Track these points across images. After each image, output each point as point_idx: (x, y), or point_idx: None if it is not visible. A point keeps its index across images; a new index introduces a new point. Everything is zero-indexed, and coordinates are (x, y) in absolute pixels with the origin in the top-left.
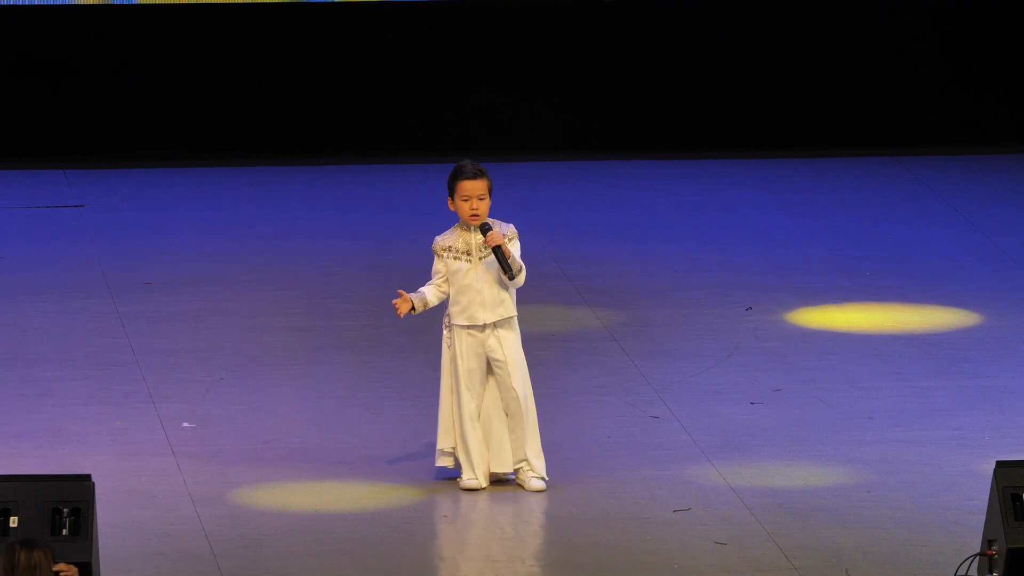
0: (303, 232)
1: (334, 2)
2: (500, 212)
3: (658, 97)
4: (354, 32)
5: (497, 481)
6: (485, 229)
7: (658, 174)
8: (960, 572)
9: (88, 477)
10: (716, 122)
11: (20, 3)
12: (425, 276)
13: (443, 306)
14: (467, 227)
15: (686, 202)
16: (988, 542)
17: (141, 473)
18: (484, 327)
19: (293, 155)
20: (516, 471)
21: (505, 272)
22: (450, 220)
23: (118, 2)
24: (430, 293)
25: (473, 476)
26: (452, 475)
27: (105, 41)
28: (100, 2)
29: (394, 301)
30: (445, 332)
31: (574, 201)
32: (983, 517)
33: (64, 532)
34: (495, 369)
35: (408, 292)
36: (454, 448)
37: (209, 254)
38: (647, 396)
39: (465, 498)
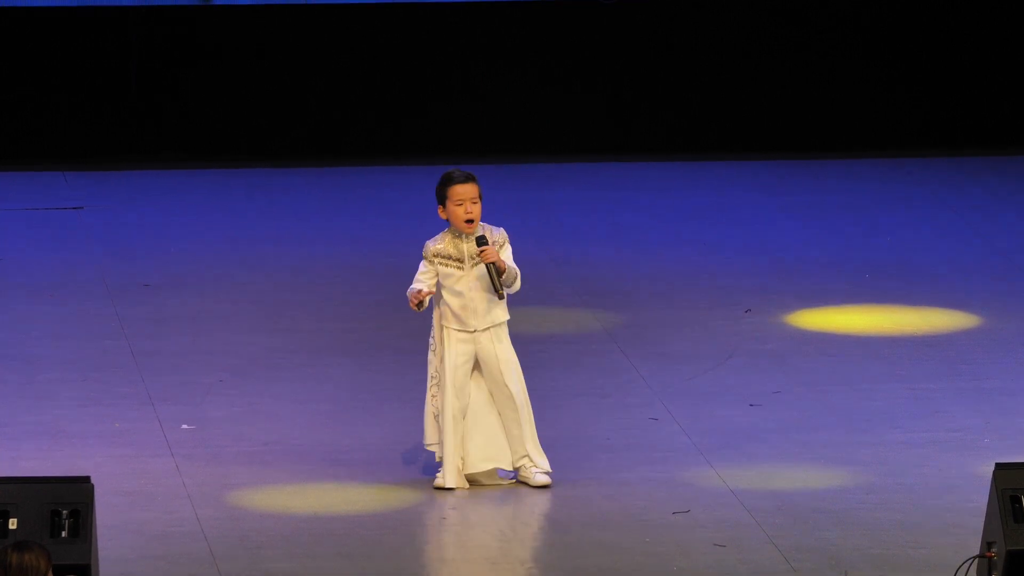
0: (303, 234)
1: (333, 4)
2: (499, 215)
3: (656, 99)
4: (353, 34)
5: (496, 482)
6: (481, 243)
7: (657, 176)
8: (959, 574)
9: (87, 479)
10: (715, 124)
11: (20, 5)
12: None
13: (430, 309)
14: (458, 234)
15: (685, 204)
16: (987, 544)
17: (140, 475)
18: (475, 331)
19: (293, 157)
20: (517, 468)
21: (496, 291)
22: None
23: (117, 3)
24: (426, 285)
25: (444, 476)
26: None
27: (104, 43)
28: (99, 3)
29: (419, 296)
30: (435, 332)
31: (573, 203)
32: (982, 519)
33: (63, 534)
34: (487, 368)
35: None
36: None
37: (208, 256)
38: (646, 398)
39: (464, 500)
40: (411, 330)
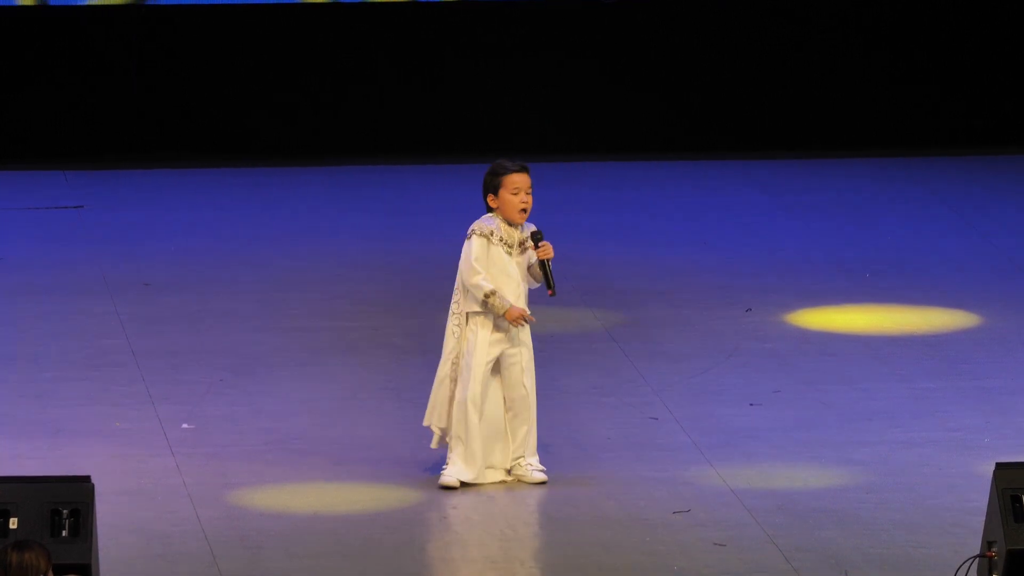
0: (304, 233)
1: (337, 3)
2: None
3: (656, 99)
4: (356, 32)
5: (495, 480)
6: (538, 239)
7: (657, 175)
8: (960, 574)
9: (88, 478)
10: (715, 124)
11: (20, 4)
12: (426, 276)
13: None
14: (506, 222)
15: (685, 203)
16: (988, 543)
17: (141, 474)
18: None
19: (293, 156)
20: (512, 466)
21: (549, 288)
22: (452, 221)
23: (118, 2)
24: (488, 279)
25: (459, 473)
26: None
27: (105, 41)
28: (101, 2)
29: (527, 317)
30: (457, 320)
31: (574, 202)
32: (983, 518)
33: (64, 533)
34: (507, 363)
35: (415, 296)
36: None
37: (209, 255)
38: (646, 397)
39: (464, 499)
40: (411, 329)
